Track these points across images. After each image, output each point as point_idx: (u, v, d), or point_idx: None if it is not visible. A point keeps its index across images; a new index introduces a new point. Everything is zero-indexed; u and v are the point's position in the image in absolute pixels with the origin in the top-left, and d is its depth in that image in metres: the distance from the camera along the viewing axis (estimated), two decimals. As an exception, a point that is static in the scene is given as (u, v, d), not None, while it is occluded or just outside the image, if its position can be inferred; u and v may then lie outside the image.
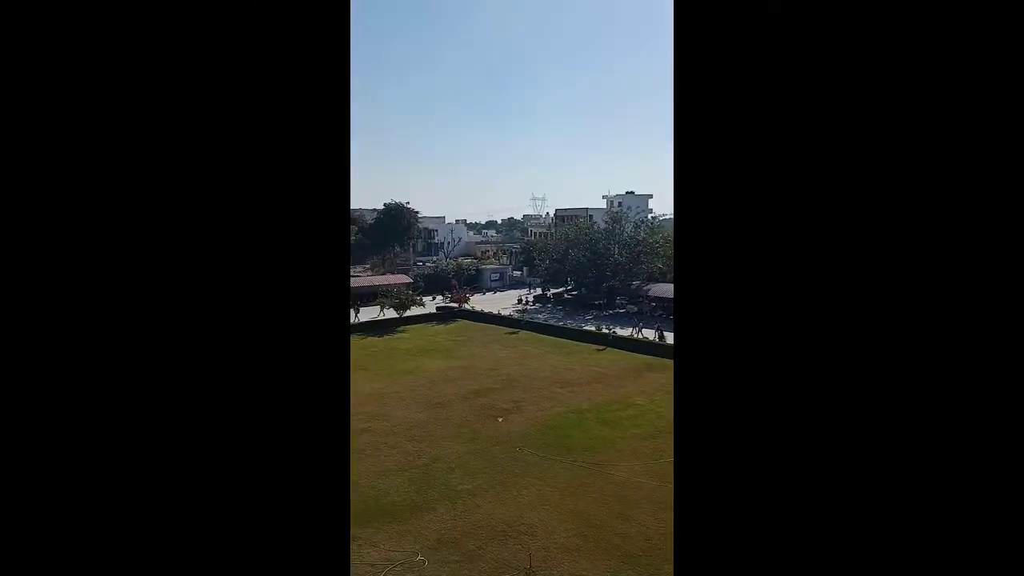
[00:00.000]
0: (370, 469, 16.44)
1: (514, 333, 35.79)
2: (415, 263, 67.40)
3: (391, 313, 39.33)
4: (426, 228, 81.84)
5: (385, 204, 68.58)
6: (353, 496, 15.01)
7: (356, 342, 33.56)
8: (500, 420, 20.43)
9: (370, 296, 42.50)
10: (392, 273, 55.59)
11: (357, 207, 76.63)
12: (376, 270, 61.28)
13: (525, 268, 62.29)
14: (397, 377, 26.09)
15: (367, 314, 39.49)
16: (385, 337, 35.10)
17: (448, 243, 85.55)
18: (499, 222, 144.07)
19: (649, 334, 33.37)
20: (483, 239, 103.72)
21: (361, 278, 51.68)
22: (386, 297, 40.72)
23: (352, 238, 61.85)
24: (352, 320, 37.47)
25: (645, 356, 29.20)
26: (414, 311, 40.12)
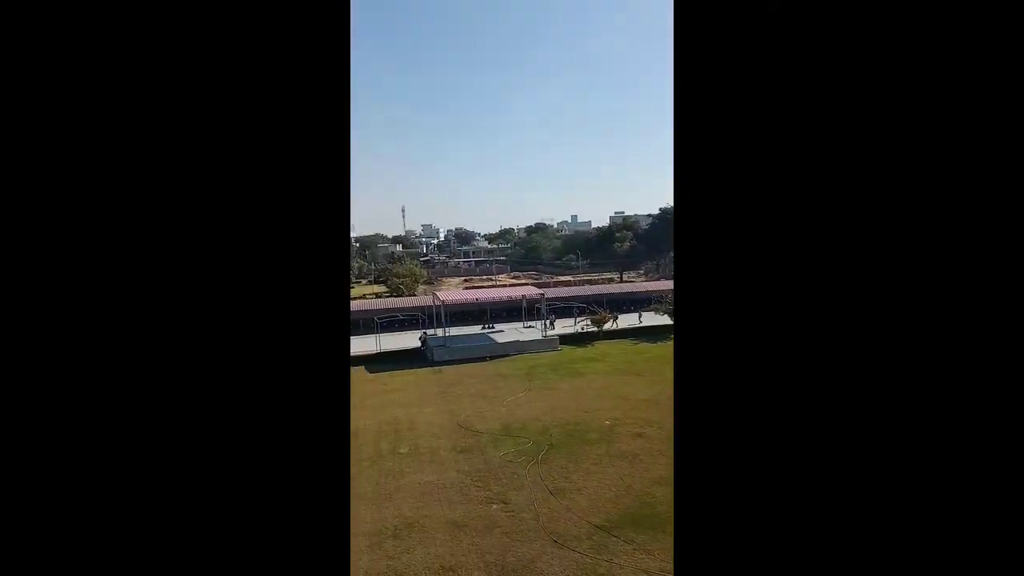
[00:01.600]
0: (644, 476, 16.51)
1: (803, 346, 32.18)
2: (690, 268, 65.52)
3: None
4: (702, 232, 78.83)
5: (660, 209, 68.27)
6: (627, 500, 15.27)
7: (630, 347, 34.11)
8: (786, 441, 18.59)
9: (645, 302, 42.72)
10: (665, 278, 55.01)
11: (632, 213, 77.78)
12: (649, 276, 61.40)
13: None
14: (671, 385, 25.65)
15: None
16: (659, 343, 34.88)
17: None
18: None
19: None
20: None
21: (634, 283, 52.31)
22: (659, 303, 40.45)
23: (627, 244, 62.96)
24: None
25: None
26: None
